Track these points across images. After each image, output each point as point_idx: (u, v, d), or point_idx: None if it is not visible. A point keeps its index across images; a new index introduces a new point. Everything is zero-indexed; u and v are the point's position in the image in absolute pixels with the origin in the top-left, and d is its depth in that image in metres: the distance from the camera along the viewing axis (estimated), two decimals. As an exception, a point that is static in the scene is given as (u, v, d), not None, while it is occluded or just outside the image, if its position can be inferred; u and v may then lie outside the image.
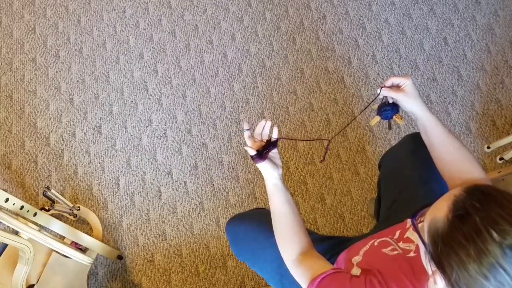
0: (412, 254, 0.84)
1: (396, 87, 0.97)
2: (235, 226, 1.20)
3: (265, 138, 0.96)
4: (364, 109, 1.30)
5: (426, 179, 1.14)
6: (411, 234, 0.89)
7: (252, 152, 0.92)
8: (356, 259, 0.91)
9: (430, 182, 1.14)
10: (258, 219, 1.18)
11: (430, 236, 0.67)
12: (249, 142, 0.95)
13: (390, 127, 1.19)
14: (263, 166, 0.93)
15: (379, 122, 1.17)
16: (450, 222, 0.64)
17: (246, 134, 0.96)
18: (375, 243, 0.92)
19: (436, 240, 0.65)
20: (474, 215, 0.62)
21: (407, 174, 1.16)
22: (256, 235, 1.13)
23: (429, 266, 0.69)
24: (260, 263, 1.13)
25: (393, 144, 1.56)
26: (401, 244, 0.88)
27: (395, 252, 0.86)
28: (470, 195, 0.66)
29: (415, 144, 1.21)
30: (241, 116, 1.91)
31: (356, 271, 0.88)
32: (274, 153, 0.95)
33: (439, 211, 0.67)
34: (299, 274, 0.89)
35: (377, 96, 0.99)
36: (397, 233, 0.93)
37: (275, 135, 0.95)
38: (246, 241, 1.16)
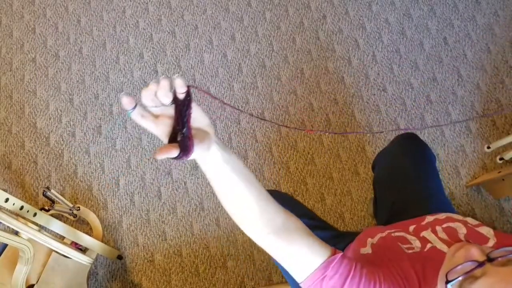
0: (429, 246, 0.83)
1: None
2: None
3: (167, 101, 0.57)
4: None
5: (422, 177, 1.14)
6: (428, 234, 0.87)
7: (174, 153, 0.56)
8: (371, 240, 0.89)
9: (426, 180, 1.14)
10: (274, 196, 1.15)
11: None
12: (147, 124, 0.58)
13: None
14: (196, 155, 0.60)
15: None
16: None
17: (136, 114, 0.57)
18: (393, 234, 0.89)
19: None
20: None
21: (403, 173, 1.16)
22: None
23: None
24: None
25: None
26: (417, 243, 0.87)
27: (411, 251, 0.83)
28: None
29: (407, 144, 1.21)
30: (241, 116, 1.91)
31: (367, 250, 0.86)
32: (193, 117, 0.59)
33: None
34: (287, 253, 0.73)
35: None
36: (411, 228, 0.91)
37: (181, 89, 0.57)
38: None
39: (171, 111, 0.58)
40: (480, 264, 0.60)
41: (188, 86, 0.57)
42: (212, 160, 0.63)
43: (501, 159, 1.72)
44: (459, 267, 0.61)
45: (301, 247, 0.72)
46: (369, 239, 0.90)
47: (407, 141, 1.23)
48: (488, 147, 1.75)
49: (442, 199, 1.14)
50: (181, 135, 0.57)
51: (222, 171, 0.64)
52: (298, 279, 0.73)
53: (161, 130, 0.59)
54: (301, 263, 0.72)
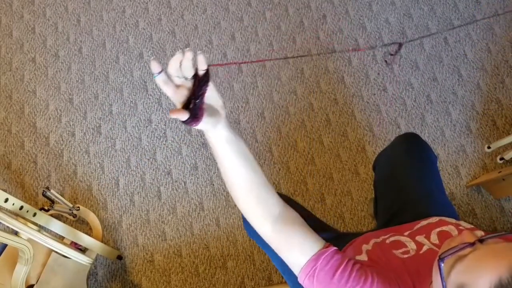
0: (425, 248, 0.83)
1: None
2: None
3: (189, 74, 0.65)
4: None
5: (423, 178, 1.14)
6: (421, 239, 0.88)
7: (184, 117, 0.63)
8: (366, 247, 0.90)
9: (427, 181, 1.14)
10: None
11: None
12: (168, 90, 0.65)
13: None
14: (203, 126, 0.67)
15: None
16: None
17: (160, 78, 0.64)
18: (387, 241, 0.90)
19: None
20: None
21: (404, 174, 1.16)
22: None
23: None
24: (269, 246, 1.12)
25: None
26: (412, 245, 0.87)
27: (406, 256, 0.84)
28: None
29: (408, 144, 1.21)
30: (241, 116, 1.91)
31: (363, 257, 0.87)
32: (208, 95, 0.66)
33: (476, 284, 0.58)
34: (288, 246, 0.76)
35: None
36: (406, 233, 0.92)
37: (202, 66, 0.64)
38: None
39: (190, 84, 0.65)
40: (471, 244, 0.61)
41: (209, 65, 0.64)
42: (217, 137, 0.69)
43: (501, 159, 1.71)
44: (452, 249, 0.62)
45: (296, 237, 0.76)
46: (364, 246, 0.91)
47: (408, 141, 1.23)
48: (489, 147, 1.75)
49: (443, 200, 1.14)
50: (194, 104, 0.64)
51: (223, 150, 0.71)
52: (295, 271, 0.76)
53: (178, 98, 0.65)
54: (295, 254, 0.75)
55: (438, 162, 1.75)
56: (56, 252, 1.38)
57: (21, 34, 2.17)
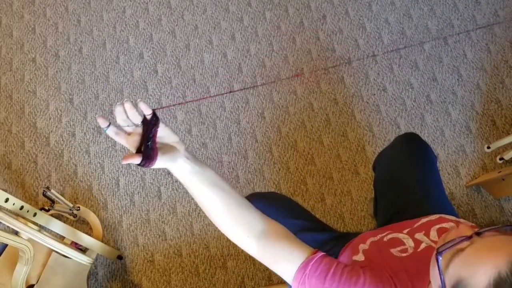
0: (423, 245, 0.84)
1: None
2: (250, 202, 1.19)
3: (138, 121, 0.70)
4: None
5: (423, 177, 1.15)
6: (420, 236, 0.88)
7: (137, 160, 0.67)
8: (363, 246, 0.90)
9: (427, 180, 1.14)
10: (272, 198, 1.19)
11: None
12: (120, 140, 0.70)
13: None
14: (160, 164, 0.70)
15: None
16: None
17: (111, 131, 0.70)
18: (385, 239, 0.90)
19: None
20: None
21: (404, 173, 1.17)
22: (268, 212, 1.13)
23: None
24: None
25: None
26: (410, 242, 0.87)
27: (404, 254, 0.84)
28: None
29: (408, 144, 1.22)
30: (241, 116, 1.91)
31: (360, 257, 0.87)
32: (161, 135, 0.71)
33: (475, 278, 0.57)
34: (276, 258, 0.77)
35: None
36: (405, 230, 0.92)
37: (146, 111, 0.69)
38: None
39: (141, 129, 0.70)
40: (468, 237, 0.61)
41: (154, 109, 0.69)
42: (180, 171, 0.74)
43: (501, 159, 1.72)
44: (449, 242, 0.62)
45: (282, 249, 0.77)
46: (361, 245, 0.91)
47: (408, 141, 1.23)
48: (488, 147, 1.76)
49: (443, 199, 1.14)
50: (146, 147, 0.68)
51: (190, 181, 0.76)
52: (288, 281, 0.77)
53: (131, 144, 0.70)
54: (284, 265, 0.76)
55: (438, 162, 1.75)
56: (57, 252, 1.38)
57: (22, 34, 2.17)
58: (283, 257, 0.76)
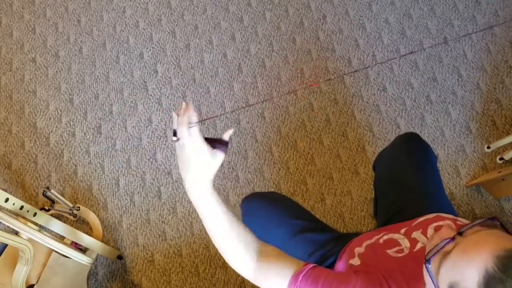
0: (419, 245, 0.84)
1: None
2: (250, 201, 1.20)
3: (195, 119, 0.81)
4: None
5: (423, 178, 1.15)
6: (418, 235, 0.88)
7: (227, 136, 0.82)
8: (359, 249, 0.91)
9: (427, 180, 1.14)
10: (272, 198, 1.20)
11: None
12: (199, 136, 0.81)
13: None
14: (220, 162, 0.84)
15: None
16: None
17: (195, 130, 0.81)
18: (380, 240, 0.91)
19: None
20: None
21: (404, 173, 1.17)
22: (269, 212, 1.14)
23: None
24: (266, 239, 1.14)
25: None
26: (406, 242, 0.88)
27: (400, 255, 0.85)
28: (507, 274, 0.55)
29: (408, 144, 1.22)
30: (241, 116, 1.91)
31: (356, 261, 0.87)
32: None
33: (465, 279, 0.58)
34: (268, 276, 0.81)
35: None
36: (402, 230, 0.92)
37: (194, 119, 0.81)
38: (258, 215, 1.15)
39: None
40: (452, 239, 0.62)
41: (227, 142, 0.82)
42: (209, 201, 0.84)
43: (501, 159, 1.72)
44: (434, 248, 0.63)
45: (274, 266, 0.80)
46: (357, 249, 0.92)
47: (408, 141, 1.23)
48: (488, 147, 1.76)
49: (443, 199, 1.14)
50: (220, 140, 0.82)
51: (217, 204, 0.84)
52: None
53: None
54: (276, 280, 0.79)
55: (438, 162, 1.75)
56: (57, 252, 1.38)
57: (22, 34, 2.17)
58: (275, 272, 0.79)
